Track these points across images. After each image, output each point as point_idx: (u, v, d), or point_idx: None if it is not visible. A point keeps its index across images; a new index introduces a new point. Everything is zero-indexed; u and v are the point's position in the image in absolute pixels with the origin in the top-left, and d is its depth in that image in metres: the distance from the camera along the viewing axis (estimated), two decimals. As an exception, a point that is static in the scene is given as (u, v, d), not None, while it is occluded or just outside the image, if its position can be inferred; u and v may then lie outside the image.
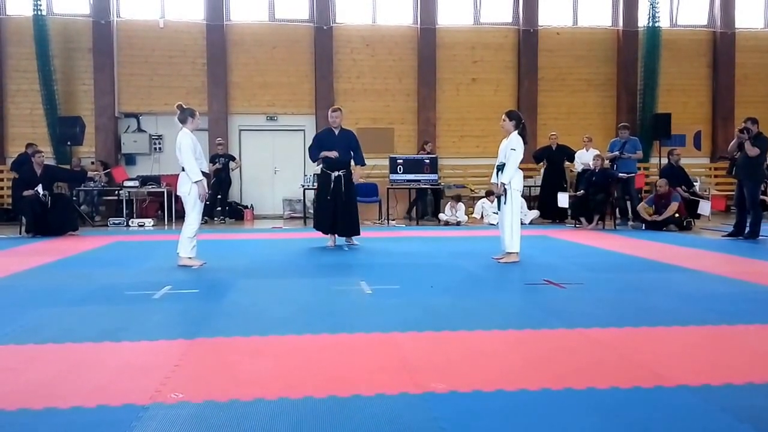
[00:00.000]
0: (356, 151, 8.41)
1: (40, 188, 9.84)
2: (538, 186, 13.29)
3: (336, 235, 8.44)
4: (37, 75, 13.49)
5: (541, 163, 12.98)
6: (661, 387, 2.89)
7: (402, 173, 12.40)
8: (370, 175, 13.48)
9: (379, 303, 4.78)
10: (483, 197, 12.73)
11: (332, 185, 8.19)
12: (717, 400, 2.73)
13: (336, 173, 8.22)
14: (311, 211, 12.75)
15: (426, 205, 13.44)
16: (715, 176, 15.01)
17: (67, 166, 12.67)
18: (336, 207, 8.23)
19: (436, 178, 12.69)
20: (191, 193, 6.53)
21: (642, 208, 10.95)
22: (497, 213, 7.74)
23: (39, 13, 13.45)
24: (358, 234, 8.58)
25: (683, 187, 11.35)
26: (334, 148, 8.20)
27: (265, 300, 4.96)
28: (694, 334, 3.87)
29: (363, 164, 8.59)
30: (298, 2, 14.64)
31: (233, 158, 13.19)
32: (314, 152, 8.47)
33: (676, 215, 10.58)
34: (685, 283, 5.59)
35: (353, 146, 8.38)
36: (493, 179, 7.06)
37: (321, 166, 8.45)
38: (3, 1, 14.01)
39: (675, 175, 11.37)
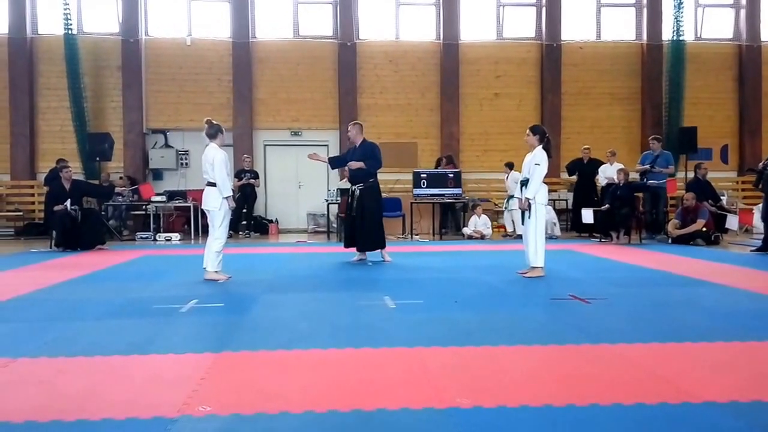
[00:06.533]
0: (367, 160, 8.15)
1: (68, 203, 10.04)
2: (563, 200, 13.22)
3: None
4: (67, 92, 13.82)
5: (573, 176, 12.92)
6: (687, 403, 2.86)
7: (426, 188, 12.42)
8: (393, 190, 13.54)
9: (403, 318, 4.79)
10: (504, 209, 12.67)
11: (350, 200, 8.31)
12: (745, 417, 2.70)
13: (353, 187, 8.33)
14: (335, 225, 12.85)
15: (449, 220, 13.44)
16: (743, 190, 14.79)
17: (96, 182, 12.93)
18: (354, 221, 8.28)
19: (460, 192, 12.69)
20: (221, 207, 6.60)
21: (672, 225, 10.82)
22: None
23: (69, 32, 13.81)
24: (380, 248, 8.36)
25: (710, 201, 11.21)
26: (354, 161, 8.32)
27: (289, 314, 5.00)
28: (722, 350, 3.81)
29: (371, 170, 8.19)
30: (321, 19, 14.83)
31: (257, 175, 13.33)
32: (336, 160, 8.78)
33: (704, 229, 10.45)
34: (712, 299, 5.51)
35: (367, 155, 8.16)
36: (517, 194, 7.06)
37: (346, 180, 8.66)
38: (35, 20, 14.41)
39: (702, 189, 11.23)
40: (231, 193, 6.62)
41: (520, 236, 11.70)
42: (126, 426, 2.63)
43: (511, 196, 12.22)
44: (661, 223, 11.58)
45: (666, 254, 9.08)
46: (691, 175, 12.18)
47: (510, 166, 12.56)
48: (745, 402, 2.87)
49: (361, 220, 8.19)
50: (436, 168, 13.24)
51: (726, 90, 15.30)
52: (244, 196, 12.78)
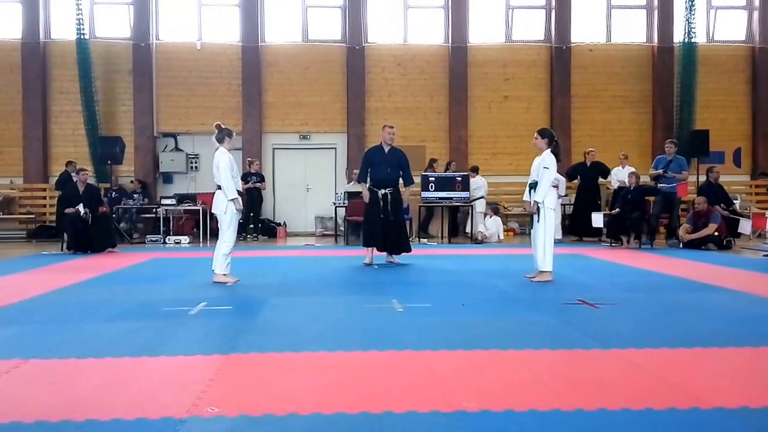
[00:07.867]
0: (406, 171, 8.45)
1: (81, 206, 10.11)
2: (570, 204, 13.17)
3: (374, 253, 8.42)
4: (79, 96, 13.97)
5: (575, 180, 12.85)
6: (697, 409, 2.84)
7: (434, 191, 12.42)
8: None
9: (411, 321, 4.79)
10: (515, 214, 12.66)
11: (381, 203, 8.20)
12: (755, 423, 2.68)
13: (383, 191, 8.25)
14: (342, 228, 12.86)
15: (457, 223, 13.43)
16: (757, 194, 14.69)
17: (107, 185, 13.11)
18: (384, 225, 8.23)
19: (468, 195, 12.67)
20: (227, 211, 6.65)
21: (683, 229, 10.73)
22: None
23: (82, 37, 13.95)
24: (408, 251, 8.55)
25: (722, 205, 11.12)
26: (384, 165, 8.26)
27: (298, 317, 5.01)
28: (732, 356, 3.78)
29: (411, 183, 8.61)
30: (330, 23, 14.89)
31: (263, 178, 13.37)
32: (363, 173, 8.50)
33: (716, 234, 10.37)
34: (723, 304, 5.48)
35: (403, 165, 8.41)
36: (526, 197, 7.04)
37: (369, 184, 8.46)
38: (48, 25, 14.56)
39: (714, 193, 11.14)
40: (236, 196, 6.64)
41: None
42: (135, 426, 2.65)
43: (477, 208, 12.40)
44: (674, 227, 11.48)
45: (677, 259, 9.02)
46: (703, 178, 12.08)
47: (475, 170, 12.74)
48: (756, 408, 2.85)
49: (397, 224, 8.32)
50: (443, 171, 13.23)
51: (739, 92, 15.20)
52: (251, 200, 12.83)
